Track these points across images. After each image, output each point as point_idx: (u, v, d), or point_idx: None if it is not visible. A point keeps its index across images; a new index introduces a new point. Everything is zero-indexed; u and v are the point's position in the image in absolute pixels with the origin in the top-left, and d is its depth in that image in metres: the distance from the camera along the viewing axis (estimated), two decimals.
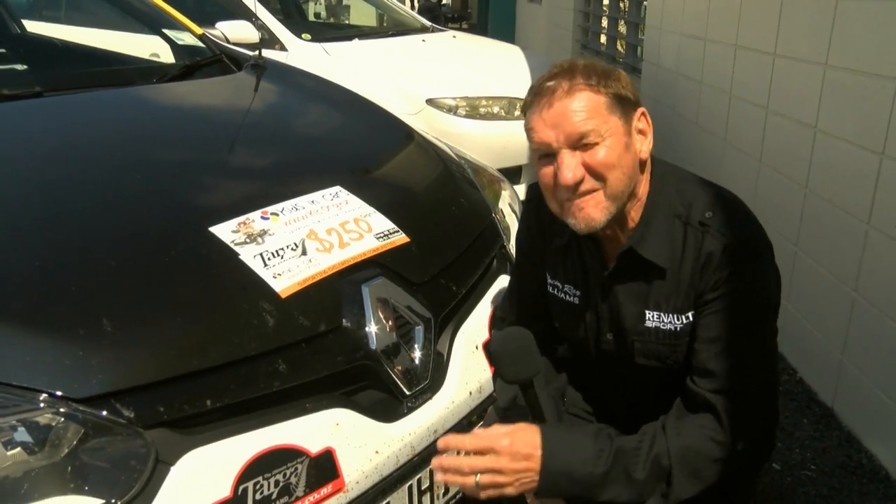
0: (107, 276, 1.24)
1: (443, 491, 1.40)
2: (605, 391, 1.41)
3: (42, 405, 1.03)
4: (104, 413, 1.05)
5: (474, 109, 4.01)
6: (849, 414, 2.28)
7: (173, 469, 1.06)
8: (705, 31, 3.60)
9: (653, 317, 1.22)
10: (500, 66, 4.58)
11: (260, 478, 1.11)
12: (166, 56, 2.57)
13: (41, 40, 2.98)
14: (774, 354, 1.25)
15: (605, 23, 6.46)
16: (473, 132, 3.92)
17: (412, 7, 11.64)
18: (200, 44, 2.48)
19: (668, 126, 4.09)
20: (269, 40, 4.30)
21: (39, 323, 1.12)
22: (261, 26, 4.31)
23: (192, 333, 1.19)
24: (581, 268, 1.30)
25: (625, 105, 1.15)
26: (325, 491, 1.17)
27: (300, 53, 4.28)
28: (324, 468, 1.18)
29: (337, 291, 1.35)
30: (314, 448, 1.18)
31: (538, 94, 1.14)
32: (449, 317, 1.52)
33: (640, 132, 1.18)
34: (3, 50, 2.59)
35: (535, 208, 1.36)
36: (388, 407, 1.33)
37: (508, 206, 2.01)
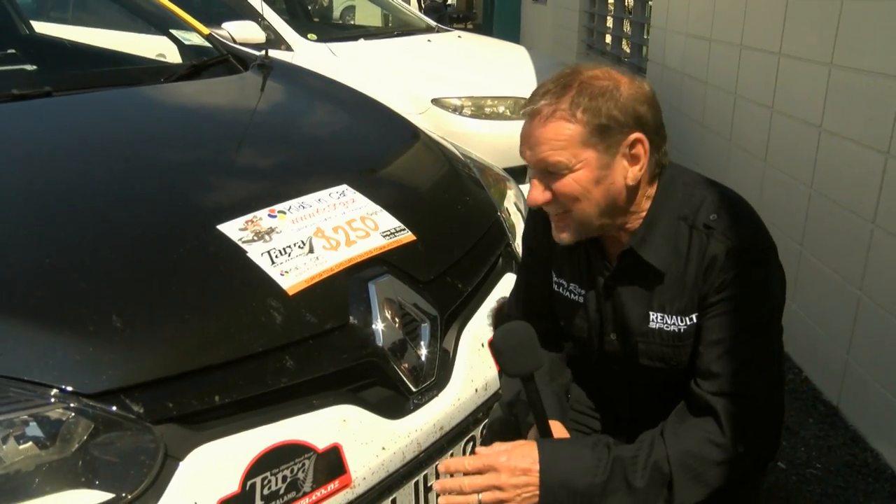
0: (116, 273, 1.25)
1: None
2: (610, 390, 1.41)
3: (53, 400, 1.04)
4: (114, 408, 1.06)
5: (479, 109, 4.02)
6: (854, 413, 2.28)
7: (182, 464, 1.07)
8: (710, 31, 3.59)
9: (656, 318, 1.22)
10: (506, 67, 4.59)
11: (268, 473, 1.12)
12: (173, 56, 2.59)
13: (50, 41, 3.00)
14: (779, 354, 1.24)
15: (610, 23, 6.46)
16: (479, 132, 3.93)
17: (419, 8, 11.65)
18: (207, 44, 2.49)
19: (673, 126, 4.09)
20: (275, 40, 4.32)
21: (50, 319, 1.13)
22: (267, 27, 4.33)
23: (201, 330, 1.21)
24: (586, 267, 1.31)
25: (609, 134, 1.11)
26: (332, 487, 1.18)
27: (306, 54, 4.30)
28: (331, 464, 1.19)
29: (344, 289, 1.36)
30: (321, 444, 1.19)
31: (525, 109, 1.16)
32: (455, 314, 1.53)
33: (632, 157, 1.14)
34: (12, 50, 2.60)
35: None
36: (394, 404, 1.33)
37: (514, 204, 2.02)
